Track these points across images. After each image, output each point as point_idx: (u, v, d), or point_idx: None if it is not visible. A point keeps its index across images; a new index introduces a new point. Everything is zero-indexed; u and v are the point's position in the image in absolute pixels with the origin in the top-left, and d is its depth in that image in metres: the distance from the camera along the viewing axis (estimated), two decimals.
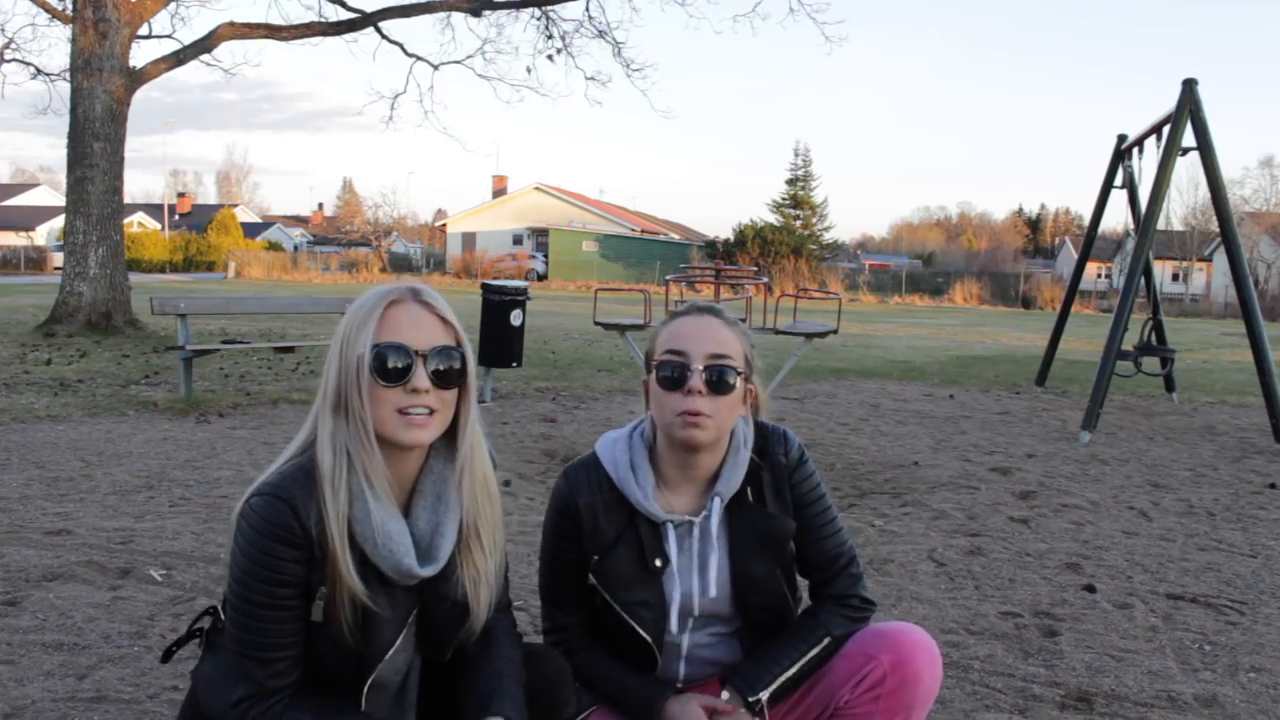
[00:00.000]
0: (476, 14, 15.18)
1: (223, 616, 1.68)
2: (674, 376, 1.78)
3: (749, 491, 1.87)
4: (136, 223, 56.50)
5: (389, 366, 1.53)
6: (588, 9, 15.71)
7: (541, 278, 45.08)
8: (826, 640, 1.85)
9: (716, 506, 1.86)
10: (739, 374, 1.81)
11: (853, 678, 1.79)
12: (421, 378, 1.54)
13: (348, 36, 14.83)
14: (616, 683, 1.84)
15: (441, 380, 1.57)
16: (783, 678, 1.81)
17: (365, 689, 1.61)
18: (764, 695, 1.79)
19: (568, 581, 1.90)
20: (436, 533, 1.62)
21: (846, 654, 1.83)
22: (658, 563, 1.85)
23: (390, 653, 1.61)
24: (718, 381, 1.78)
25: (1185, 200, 47.60)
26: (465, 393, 1.62)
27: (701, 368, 1.78)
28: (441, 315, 1.60)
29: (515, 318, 8.05)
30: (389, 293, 1.59)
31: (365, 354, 1.53)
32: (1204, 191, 26.73)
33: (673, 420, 1.79)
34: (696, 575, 1.86)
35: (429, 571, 1.60)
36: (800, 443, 1.94)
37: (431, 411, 1.56)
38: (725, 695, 1.81)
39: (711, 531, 1.86)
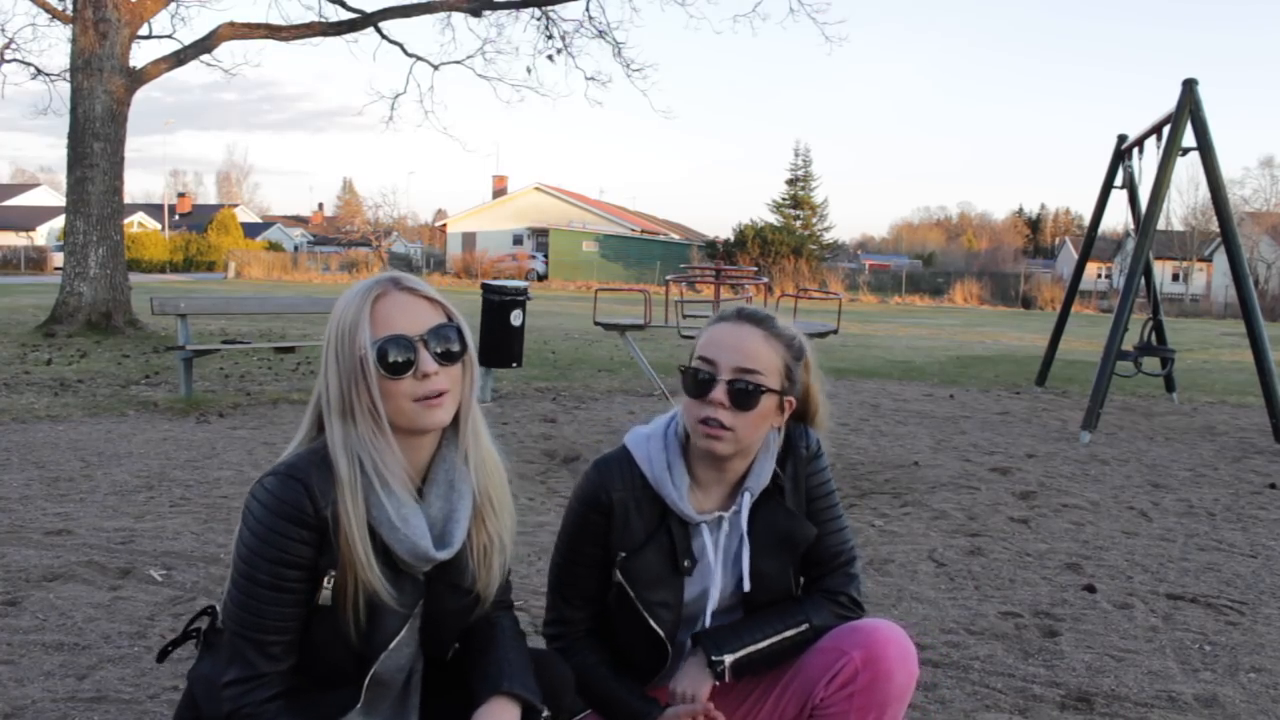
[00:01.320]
0: (476, 14, 15.18)
1: (220, 615, 1.68)
2: (699, 385, 1.79)
3: (773, 485, 1.88)
4: (136, 223, 56.48)
5: (395, 359, 1.53)
6: (588, 9, 15.72)
7: (541, 278, 45.06)
8: (805, 626, 1.84)
9: (747, 502, 1.86)
10: (766, 390, 1.79)
11: (826, 674, 1.78)
12: (428, 361, 1.55)
13: (348, 36, 14.83)
14: (609, 693, 1.84)
15: (446, 358, 1.57)
16: (751, 648, 1.81)
17: (366, 682, 1.61)
18: (728, 659, 1.78)
19: (583, 576, 1.88)
20: (450, 519, 1.63)
21: (821, 649, 1.83)
22: (686, 563, 1.85)
23: (394, 644, 1.61)
24: (740, 396, 1.77)
25: (1185, 200, 47.63)
26: (468, 366, 1.63)
27: (726, 380, 1.77)
28: (427, 296, 1.61)
29: (515, 318, 8.05)
30: (370, 288, 1.58)
31: (368, 353, 1.52)
32: (1204, 191, 26.75)
33: (695, 427, 1.80)
34: (730, 570, 1.87)
35: (444, 555, 1.61)
36: (818, 438, 1.94)
37: (442, 392, 1.57)
38: (695, 653, 1.81)
39: (742, 526, 1.86)
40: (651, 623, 1.83)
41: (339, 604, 1.55)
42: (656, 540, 1.84)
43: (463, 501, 1.65)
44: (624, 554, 1.83)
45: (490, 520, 1.69)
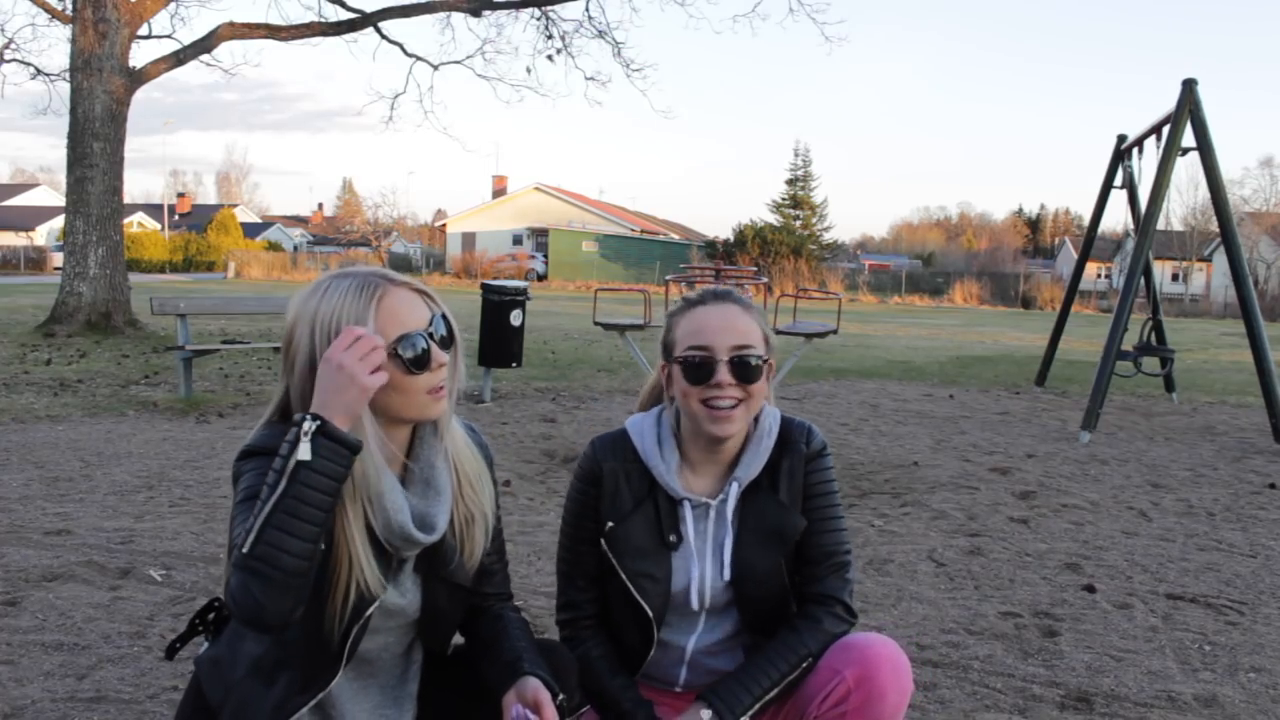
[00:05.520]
0: (476, 14, 15.19)
1: (228, 604, 1.67)
2: (700, 371, 1.81)
3: (766, 479, 1.89)
4: (136, 223, 56.49)
5: (417, 356, 1.55)
6: (588, 9, 15.73)
7: (541, 278, 45.04)
8: (809, 660, 1.83)
9: (734, 491, 1.87)
10: (764, 360, 1.84)
11: (820, 694, 1.77)
12: (439, 353, 1.58)
13: (348, 36, 14.84)
14: (602, 688, 1.85)
15: (444, 346, 1.60)
16: (763, 700, 1.80)
17: (345, 654, 1.58)
18: (744, 719, 1.78)
19: (585, 554, 1.91)
20: (433, 503, 1.64)
21: (815, 668, 1.82)
22: (672, 538, 1.86)
23: (371, 609, 1.58)
24: (744, 371, 1.81)
25: (1185, 200, 47.66)
26: (456, 354, 1.66)
27: (727, 359, 1.81)
28: (416, 288, 1.62)
29: (515, 318, 8.06)
30: (366, 286, 1.56)
31: (388, 348, 1.52)
32: (1204, 191, 26.71)
33: (700, 413, 1.81)
34: (711, 558, 1.87)
35: (427, 538, 1.61)
36: (823, 438, 1.95)
37: (443, 381, 1.60)
38: (705, 715, 1.78)
39: (727, 515, 1.88)
40: (635, 593, 1.84)
41: (331, 580, 1.53)
42: (643, 511, 1.87)
43: (443, 490, 1.66)
44: (611, 523, 1.86)
45: (467, 493, 1.71)
